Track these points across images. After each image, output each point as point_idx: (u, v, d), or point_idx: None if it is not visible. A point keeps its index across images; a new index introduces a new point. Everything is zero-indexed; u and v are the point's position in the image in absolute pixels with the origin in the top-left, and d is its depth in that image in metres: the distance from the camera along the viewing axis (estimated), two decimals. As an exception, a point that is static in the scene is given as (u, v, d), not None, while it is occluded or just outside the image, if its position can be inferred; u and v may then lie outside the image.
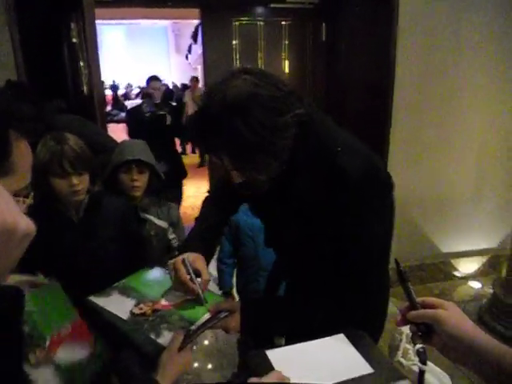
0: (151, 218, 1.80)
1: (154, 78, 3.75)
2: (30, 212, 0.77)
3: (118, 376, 1.01)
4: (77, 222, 1.47)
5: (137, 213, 1.75)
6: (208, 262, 1.17)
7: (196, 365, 2.38)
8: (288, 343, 0.94)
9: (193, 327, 0.97)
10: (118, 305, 1.04)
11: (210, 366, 2.39)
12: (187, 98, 7.25)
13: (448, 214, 3.18)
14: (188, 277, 1.03)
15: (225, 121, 0.86)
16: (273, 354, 0.90)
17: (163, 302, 1.06)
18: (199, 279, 1.05)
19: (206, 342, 2.46)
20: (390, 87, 2.80)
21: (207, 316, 1.00)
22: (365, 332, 0.95)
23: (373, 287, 1.03)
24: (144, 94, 4.38)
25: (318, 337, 0.94)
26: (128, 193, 1.71)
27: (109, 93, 13.59)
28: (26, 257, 1.29)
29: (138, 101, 11.52)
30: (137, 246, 1.61)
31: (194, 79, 7.54)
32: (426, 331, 0.74)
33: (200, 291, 1.03)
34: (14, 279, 1.09)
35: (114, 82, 13.97)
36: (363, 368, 0.85)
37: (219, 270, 2.18)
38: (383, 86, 2.85)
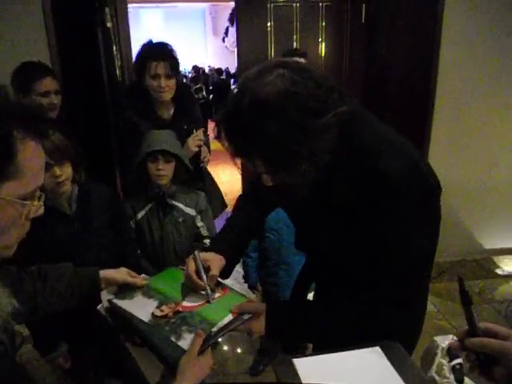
0: (179, 205, 1.84)
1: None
2: None
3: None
4: (72, 215, 1.49)
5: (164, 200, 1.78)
6: (233, 265, 1.14)
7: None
8: (316, 352, 0.89)
9: (214, 329, 0.92)
10: (140, 307, 1.01)
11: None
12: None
13: (492, 207, 3.02)
14: (199, 272, 1.01)
15: (257, 123, 0.78)
16: (300, 363, 0.85)
17: (185, 303, 1.02)
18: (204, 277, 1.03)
19: (226, 348, 2.41)
20: (434, 73, 2.65)
21: (229, 318, 0.95)
22: (406, 339, 0.89)
23: (411, 299, 0.95)
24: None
25: (348, 347, 0.89)
26: (154, 181, 1.78)
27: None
28: (22, 256, 1.27)
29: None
30: (124, 232, 1.67)
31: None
32: (487, 362, 0.65)
33: (207, 287, 1.01)
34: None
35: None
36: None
37: (244, 264, 2.18)
38: (426, 71, 2.70)
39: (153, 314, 0.98)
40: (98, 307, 1.06)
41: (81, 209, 1.50)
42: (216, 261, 1.07)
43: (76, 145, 1.46)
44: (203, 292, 1.02)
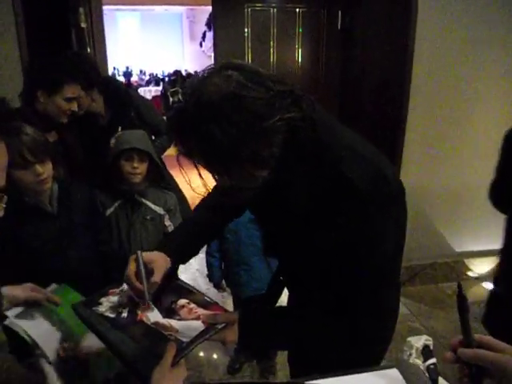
0: (147, 202, 1.87)
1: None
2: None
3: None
4: (54, 213, 1.47)
5: (133, 197, 1.83)
6: (177, 265, 1.11)
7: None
8: (329, 374, 0.84)
9: (186, 339, 0.90)
10: (42, 336, 0.98)
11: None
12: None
13: (462, 212, 3.08)
14: (140, 275, 0.97)
15: (199, 124, 0.77)
16: None
17: (85, 344, 0.99)
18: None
19: (201, 354, 2.43)
20: (407, 80, 2.71)
21: (202, 327, 0.94)
22: (367, 353, 0.88)
23: (381, 303, 0.95)
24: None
25: (363, 369, 0.85)
26: (128, 179, 1.79)
27: (122, 79, 13.59)
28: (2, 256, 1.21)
29: (150, 88, 11.53)
30: (104, 230, 1.69)
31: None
32: (478, 375, 0.63)
33: (146, 293, 0.95)
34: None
35: (127, 68, 13.96)
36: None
37: (208, 263, 2.23)
38: (401, 77, 2.75)
39: (58, 351, 0.96)
40: (6, 322, 1.00)
41: (62, 207, 1.49)
42: (160, 262, 1.02)
43: (52, 142, 1.44)
44: (138, 299, 0.97)
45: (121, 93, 2.23)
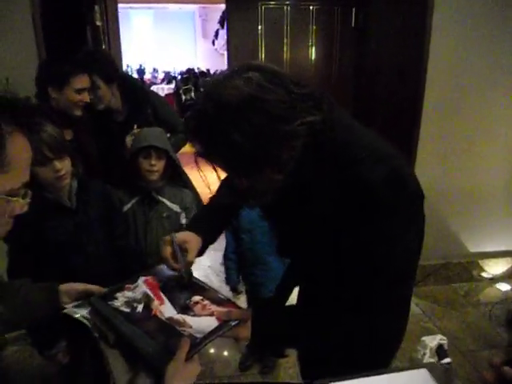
0: (164, 200, 1.88)
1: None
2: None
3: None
4: (73, 208, 1.51)
5: (150, 194, 1.85)
6: (207, 245, 1.14)
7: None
8: (353, 376, 0.83)
9: (199, 335, 0.91)
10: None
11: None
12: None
13: (477, 212, 3.04)
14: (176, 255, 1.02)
15: (218, 127, 0.76)
16: None
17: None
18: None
19: (212, 351, 2.45)
20: (422, 79, 2.67)
21: (216, 323, 0.94)
22: (378, 353, 0.85)
23: (394, 306, 0.95)
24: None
25: (332, 354, 0.85)
26: (146, 177, 1.82)
27: (135, 77, 13.66)
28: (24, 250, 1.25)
29: (163, 86, 11.58)
30: (119, 226, 1.71)
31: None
32: None
33: (183, 269, 1.01)
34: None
35: (140, 66, 14.03)
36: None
37: (225, 266, 2.20)
38: (415, 75, 2.72)
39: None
40: (66, 310, 1.02)
41: (81, 202, 1.53)
42: (194, 242, 1.07)
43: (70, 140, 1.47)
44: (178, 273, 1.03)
45: (137, 89, 2.26)
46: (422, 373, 0.79)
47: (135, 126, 2.13)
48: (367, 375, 0.82)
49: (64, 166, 1.42)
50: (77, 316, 1.00)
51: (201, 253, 1.13)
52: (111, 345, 0.95)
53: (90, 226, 1.54)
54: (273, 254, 2.06)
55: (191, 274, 1.10)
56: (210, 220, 1.18)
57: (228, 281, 2.22)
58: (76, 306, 1.04)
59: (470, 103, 2.81)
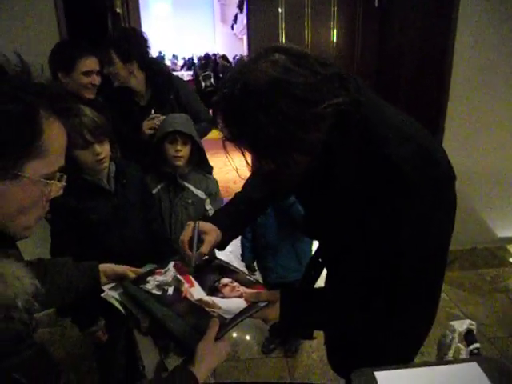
0: (189, 186, 1.89)
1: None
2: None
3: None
4: (112, 191, 1.55)
5: (176, 180, 1.87)
6: (229, 239, 1.16)
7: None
8: (399, 365, 0.82)
9: (228, 316, 0.92)
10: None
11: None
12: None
13: (504, 195, 2.98)
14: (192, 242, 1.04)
15: (245, 111, 0.76)
16: (383, 376, 0.76)
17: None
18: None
19: (235, 335, 2.48)
20: (449, 58, 2.59)
21: (244, 305, 0.95)
22: (406, 340, 0.83)
23: (423, 293, 0.94)
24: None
25: (359, 339, 0.84)
26: (171, 162, 1.83)
27: (155, 64, 13.66)
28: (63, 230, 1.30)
29: (183, 72, 11.58)
30: (153, 209, 1.74)
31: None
32: None
33: (193, 258, 1.03)
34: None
35: (160, 53, 14.05)
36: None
37: (241, 244, 2.24)
38: (441, 55, 2.64)
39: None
40: (103, 295, 1.06)
41: (119, 185, 1.57)
42: (212, 235, 1.08)
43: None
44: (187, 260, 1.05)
45: (163, 74, 2.25)
46: (472, 366, 0.75)
47: (152, 111, 2.14)
48: (413, 366, 0.81)
49: (103, 149, 1.46)
50: (111, 300, 1.03)
51: (222, 247, 1.15)
52: (144, 332, 0.98)
53: (128, 208, 1.58)
54: (285, 240, 2.06)
55: (219, 260, 1.13)
56: (233, 215, 1.19)
57: (243, 258, 2.25)
58: (112, 288, 1.07)
59: (499, 80, 2.72)
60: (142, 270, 1.12)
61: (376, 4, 3.45)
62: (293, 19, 3.50)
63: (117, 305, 1.02)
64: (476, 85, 2.71)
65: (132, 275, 1.10)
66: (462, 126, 2.79)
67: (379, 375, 0.75)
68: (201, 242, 1.06)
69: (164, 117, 2.02)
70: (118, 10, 3.05)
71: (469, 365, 0.77)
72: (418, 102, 2.94)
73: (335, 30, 3.59)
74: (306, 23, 3.55)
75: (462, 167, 2.77)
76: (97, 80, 1.98)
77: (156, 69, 2.22)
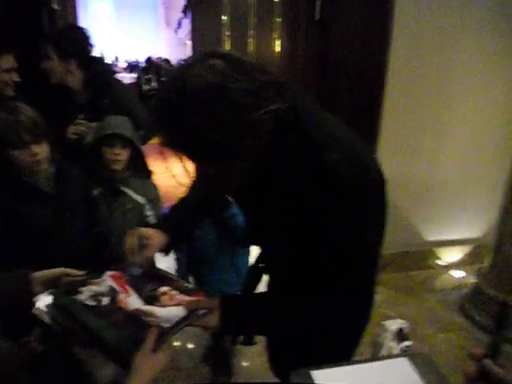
0: (128, 191, 1.84)
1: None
2: None
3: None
4: (51, 193, 1.48)
5: (114, 185, 1.81)
6: (173, 243, 1.14)
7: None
8: (335, 364, 0.83)
9: (167, 325, 0.90)
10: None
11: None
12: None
13: (434, 201, 3.16)
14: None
15: (182, 116, 0.75)
16: (319, 375, 0.79)
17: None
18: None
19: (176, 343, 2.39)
20: (385, 68, 2.73)
21: (183, 313, 0.94)
22: (345, 339, 0.87)
23: (359, 292, 0.96)
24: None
25: (300, 340, 0.86)
26: (109, 166, 1.77)
27: (95, 66, 13.19)
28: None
29: (124, 75, 11.26)
30: (95, 211, 1.71)
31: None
32: None
33: (138, 264, 1.03)
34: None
35: (101, 55, 13.56)
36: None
37: (176, 257, 2.10)
38: (377, 66, 2.77)
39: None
40: (33, 310, 0.99)
41: (59, 187, 1.50)
42: (156, 239, 1.08)
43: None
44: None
45: (101, 77, 2.17)
46: (403, 361, 0.80)
47: (82, 116, 2.07)
48: (348, 364, 0.84)
49: (41, 150, 1.40)
50: (42, 316, 0.97)
51: (166, 250, 1.14)
52: (85, 346, 0.94)
53: (69, 211, 1.52)
54: (223, 254, 1.98)
55: (157, 267, 1.11)
56: (177, 219, 1.19)
57: (178, 272, 2.12)
58: (50, 294, 1.01)
59: (431, 91, 2.87)
60: (78, 274, 1.07)
61: (316, 17, 3.57)
62: (237, 27, 3.55)
63: (48, 321, 0.96)
64: (411, 96, 2.85)
65: (72, 273, 1.05)
66: (397, 133, 2.92)
67: (316, 374, 0.78)
68: (144, 247, 1.05)
69: (94, 124, 1.95)
70: (56, 7, 2.92)
71: (400, 360, 0.82)
72: (356, 110, 3.07)
73: (279, 41, 3.68)
74: (250, 32, 3.60)
75: (393, 175, 2.92)
76: (16, 78, 1.95)
77: (95, 70, 2.14)
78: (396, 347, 1.01)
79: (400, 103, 2.86)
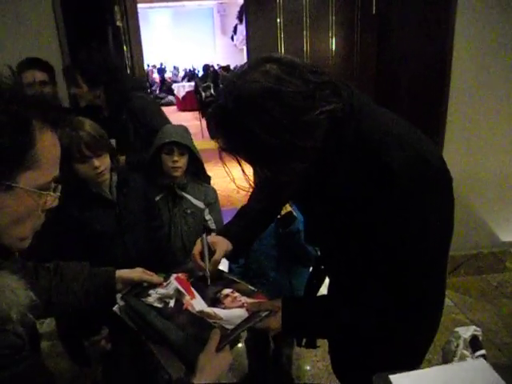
0: (188, 196, 1.90)
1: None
2: (65, 198, 0.75)
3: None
4: (115, 200, 1.57)
5: (174, 191, 1.88)
6: (241, 252, 1.20)
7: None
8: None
9: (230, 326, 0.92)
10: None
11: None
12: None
13: (507, 199, 2.95)
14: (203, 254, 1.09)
15: (240, 120, 0.78)
16: (398, 379, 0.78)
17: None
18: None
19: (240, 345, 2.32)
20: (448, 64, 2.59)
21: (246, 315, 0.95)
22: (411, 346, 0.82)
23: (423, 295, 0.92)
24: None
25: (362, 343, 0.84)
26: (169, 173, 1.84)
27: (156, 76, 13.83)
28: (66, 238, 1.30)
29: (184, 83, 11.68)
30: (156, 218, 1.76)
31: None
32: None
33: (207, 270, 1.07)
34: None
35: (161, 64, 14.18)
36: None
37: (229, 270, 2.03)
38: (440, 62, 2.64)
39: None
40: (114, 308, 1.06)
41: (121, 194, 1.59)
42: (222, 245, 1.13)
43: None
44: (202, 273, 1.08)
45: (119, 95, 2.20)
46: (483, 364, 0.76)
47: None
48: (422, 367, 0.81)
49: (102, 163, 1.47)
50: (122, 316, 1.03)
51: (233, 258, 1.21)
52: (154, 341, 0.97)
53: (130, 217, 1.59)
54: (280, 270, 1.84)
55: (220, 271, 1.15)
56: (241, 226, 1.22)
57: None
58: (121, 296, 1.07)
59: (499, 84, 2.71)
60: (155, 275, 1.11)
61: (374, 11, 3.47)
62: (291, 29, 3.53)
63: (127, 320, 1.02)
64: (476, 88, 2.70)
65: (150, 280, 1.09)
66: (463, 130, 2.77)
67: (395, 378, 0.77)
68: (212, 253, 1.10)
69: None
70: (118, 24, 3.09)
71: (479, 362, 0.77)
72: (418, 107, 2.94)
73: (334, 39, 3.61)
74: (304, 32, 3.57)
75: (464, 173, 2.80)
76: (44, 90, 2.07)
77: (116, 88, 2.18)
78: (469, 356, 0.94)
79: (466, 96, 2.70)
